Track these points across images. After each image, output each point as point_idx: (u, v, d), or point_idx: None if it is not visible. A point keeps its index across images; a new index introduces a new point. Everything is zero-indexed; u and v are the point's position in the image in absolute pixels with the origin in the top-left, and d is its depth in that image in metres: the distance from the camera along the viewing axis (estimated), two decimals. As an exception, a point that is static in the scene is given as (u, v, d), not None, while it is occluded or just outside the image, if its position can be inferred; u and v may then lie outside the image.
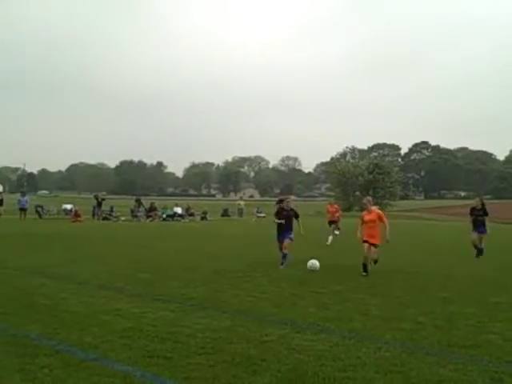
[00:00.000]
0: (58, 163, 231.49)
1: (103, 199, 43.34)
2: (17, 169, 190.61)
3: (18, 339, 6.96)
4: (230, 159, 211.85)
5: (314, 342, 7.15)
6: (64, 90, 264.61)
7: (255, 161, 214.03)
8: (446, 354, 6.74)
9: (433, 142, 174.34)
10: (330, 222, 23.86)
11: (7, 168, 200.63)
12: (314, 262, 14.06)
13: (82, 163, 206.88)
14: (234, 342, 7.03)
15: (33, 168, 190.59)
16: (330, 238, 22.54)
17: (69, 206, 46.11)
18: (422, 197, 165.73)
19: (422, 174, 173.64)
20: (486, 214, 18.03)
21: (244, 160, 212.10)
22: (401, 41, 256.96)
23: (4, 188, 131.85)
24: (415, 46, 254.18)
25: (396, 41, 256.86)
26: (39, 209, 44.03)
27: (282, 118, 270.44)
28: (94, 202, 43.69)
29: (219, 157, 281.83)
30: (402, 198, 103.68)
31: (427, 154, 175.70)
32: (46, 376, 5.59)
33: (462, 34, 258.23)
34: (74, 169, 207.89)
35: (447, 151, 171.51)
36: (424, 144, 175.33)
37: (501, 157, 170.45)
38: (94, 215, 43.09)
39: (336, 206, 25.83)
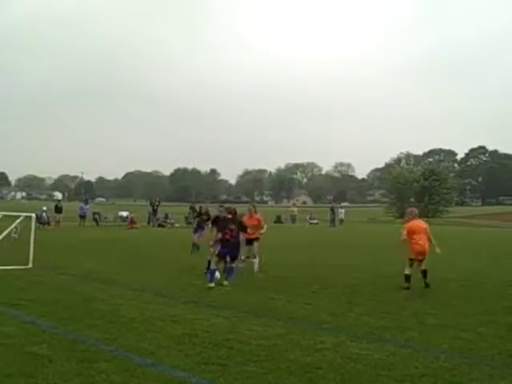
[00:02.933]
0: (114, 171, 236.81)
1: (158, 204, 43.85)
2: (75, 177, 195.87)
3: (77, 344, 7.11)
4: (282, 166, 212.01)
5: (370, 350, 7.05)
6: (119, 99, 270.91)
7: (308, 167, 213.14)
8: (508, 365, 6.55)
9: (490, 147, 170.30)
10: (249, 241, 15.44)
11: (66, 176, 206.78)
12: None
13: (137, 171, 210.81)
14: (288, 350, 7.00)
15: (90, 176, 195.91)
16: (256, 261, 15.41)
17: (125, 213, 47.02)
18: (480, 203, 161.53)
19: (480, 179, 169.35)
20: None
21: (297, 166, 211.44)
22: (454, 44, 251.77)
23: (63, 196, 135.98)
24: (470, 48, 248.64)
25: (449, 44, 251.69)
26: (96, 216, 44.98)
27: (335, 124, 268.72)
28: (150, 209, 44.37)
29: (272, 164, 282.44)
30: (459, 204, 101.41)
31: (484, 159, 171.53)
32: (104, 381, 5.68)
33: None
34: (129, 177, 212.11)
35: (506, 156, 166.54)
36: (481, 149, 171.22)
37: None
38: (149, 222, 43.75)
39: (258, 215, 16.06)
